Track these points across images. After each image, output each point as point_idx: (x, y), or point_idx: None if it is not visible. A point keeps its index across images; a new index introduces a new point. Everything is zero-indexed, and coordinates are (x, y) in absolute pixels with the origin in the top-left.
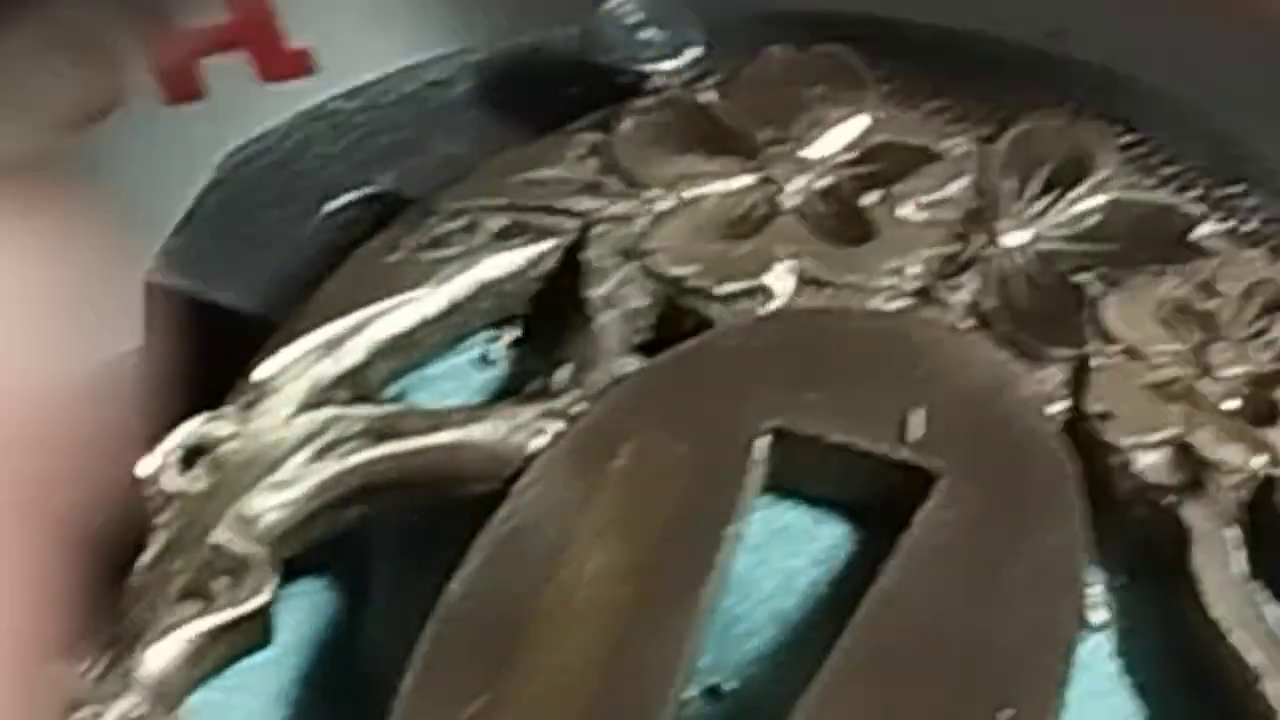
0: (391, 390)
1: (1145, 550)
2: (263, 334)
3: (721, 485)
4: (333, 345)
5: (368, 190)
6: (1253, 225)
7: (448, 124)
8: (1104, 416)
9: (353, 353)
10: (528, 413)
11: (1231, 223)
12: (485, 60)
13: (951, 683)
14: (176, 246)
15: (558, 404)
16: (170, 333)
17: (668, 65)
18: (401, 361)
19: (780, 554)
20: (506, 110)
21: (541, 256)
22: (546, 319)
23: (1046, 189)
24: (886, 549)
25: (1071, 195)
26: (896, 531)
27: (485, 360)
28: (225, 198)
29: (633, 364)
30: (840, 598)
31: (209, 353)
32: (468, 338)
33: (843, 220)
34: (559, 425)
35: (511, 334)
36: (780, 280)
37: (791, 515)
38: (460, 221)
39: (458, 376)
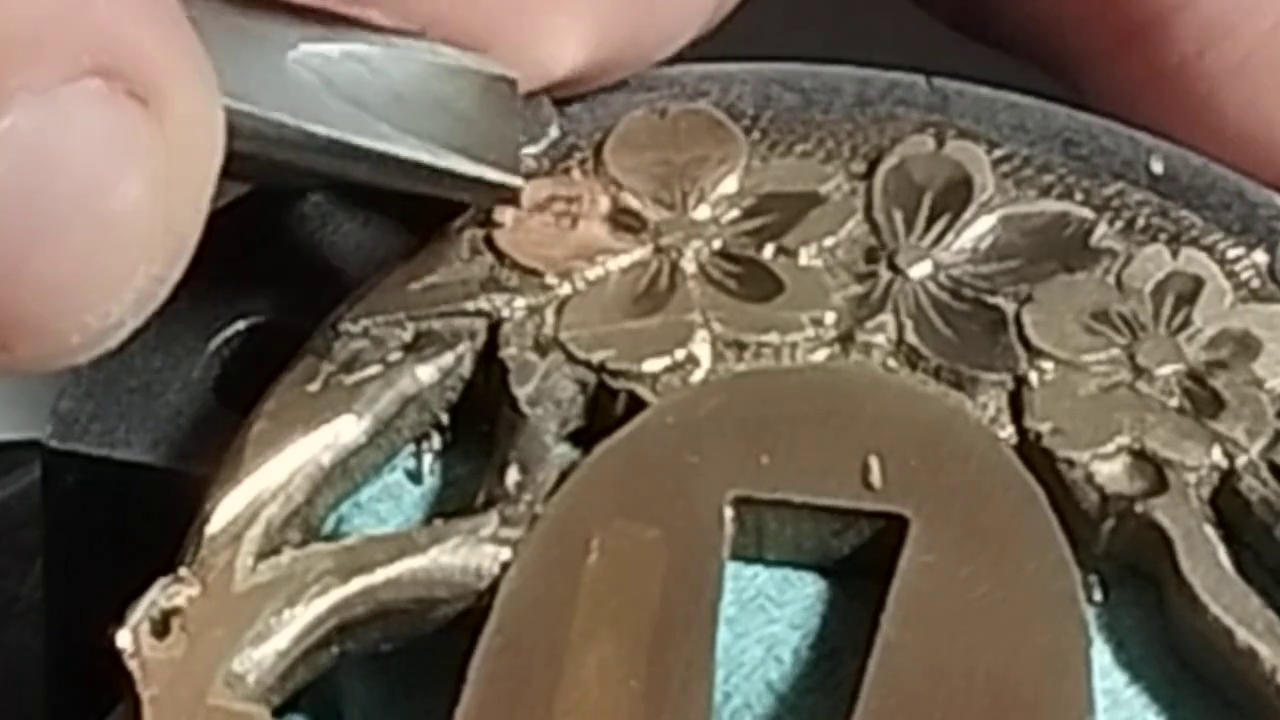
0: (330, 522)
1: (1120, 561)
2: (176, 486)
3: (701, 563)
4: (278, 487)
5: (249, 321)
6: (1143, 221)
7: (315, 244)
8: (1054, 433)
9: (297, 492)
10: (488, 524)
11: (1122, 222)
12: None
13: None
14: (67, 410)
15: (514, 510)
16: (76, 498)
17: (531, 149)
18: (338, 492)
19: (758, 623)
20: (373, 218)
21: (456, 362)
22: (466, 425)
23: (934, 216)
24: (859, 603)
25: (961, 219)
26: (866, 584)
27: (414, 476)
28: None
29: (572, 455)
30: (826, 659)
31: (123, 512)
32: (394, 456)
33: (748, 278)
34: (520, 532)
35: (432, 445)
36: (701, 348)
37: (758, 582)
38: (368, 341)
39: (391, 497)
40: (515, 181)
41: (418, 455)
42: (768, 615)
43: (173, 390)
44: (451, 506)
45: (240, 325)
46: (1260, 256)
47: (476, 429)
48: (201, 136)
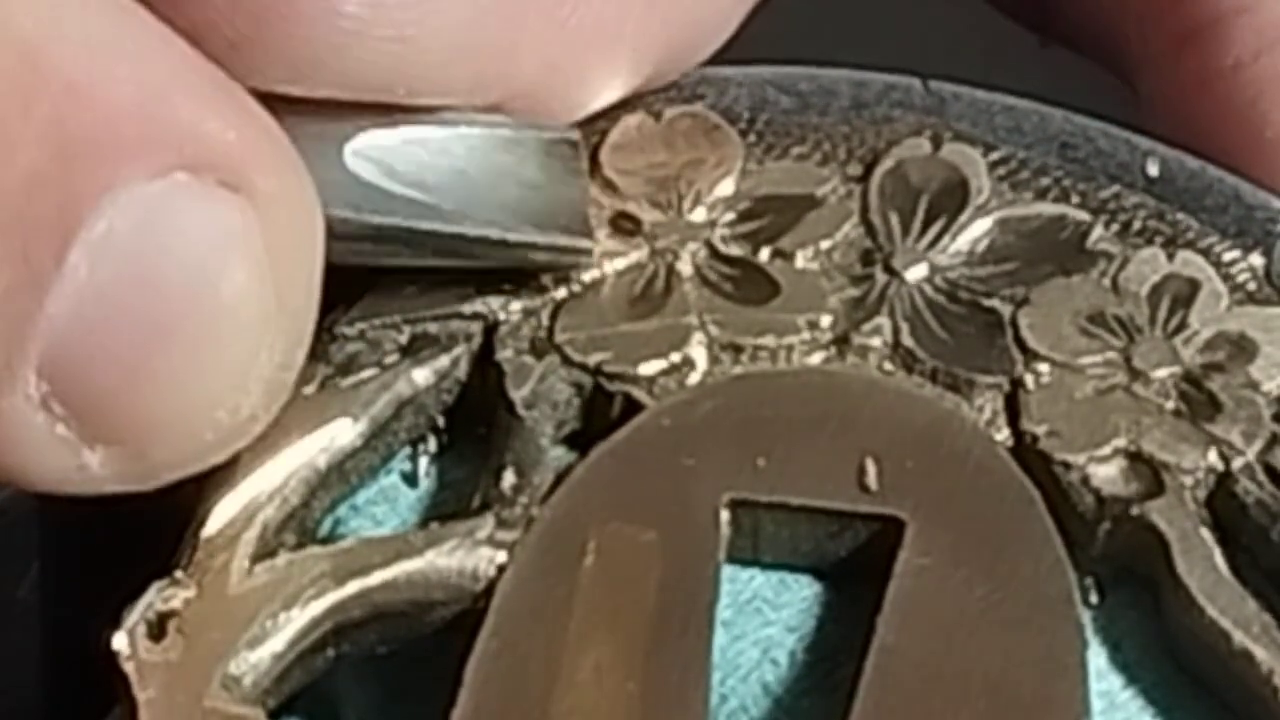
0: (327, 525)
1: (1116, 563)
2: (172, 488)
3: (697, 565)
4: (274, 490)
5: None
6: (1139, 224)
7: None
8: (1050, 436)
9: (293, 494)
10: (484, 527)
11: (1118, 224)
12: None
13: None
14: None
15: (510, 513)
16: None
17: None
18: (334, 495)
19: (754, 625)
20: None
21: (452, 365)
22: (462, 428)
23: (930, 219)
24: (855, 605)
25: (958, 222)
26: (862, 586)
27: (410, 479)
28: None
29: (568, 458)
30: (822, 662)
31: (119, 515)
32: (390, 459)
33: (744, 281)
34: (516, 534)
35: (428, 448)
36: (698, 350)
37: (755, 585)
38: (364, 343)
39: (387, 499)
40: (586, 244)
41: (414, 458)
42: (764, 618)
43: None
44: (448, 509)
45: None
46: (1256, 259)
47: (472, 432)
48: (298, 215)
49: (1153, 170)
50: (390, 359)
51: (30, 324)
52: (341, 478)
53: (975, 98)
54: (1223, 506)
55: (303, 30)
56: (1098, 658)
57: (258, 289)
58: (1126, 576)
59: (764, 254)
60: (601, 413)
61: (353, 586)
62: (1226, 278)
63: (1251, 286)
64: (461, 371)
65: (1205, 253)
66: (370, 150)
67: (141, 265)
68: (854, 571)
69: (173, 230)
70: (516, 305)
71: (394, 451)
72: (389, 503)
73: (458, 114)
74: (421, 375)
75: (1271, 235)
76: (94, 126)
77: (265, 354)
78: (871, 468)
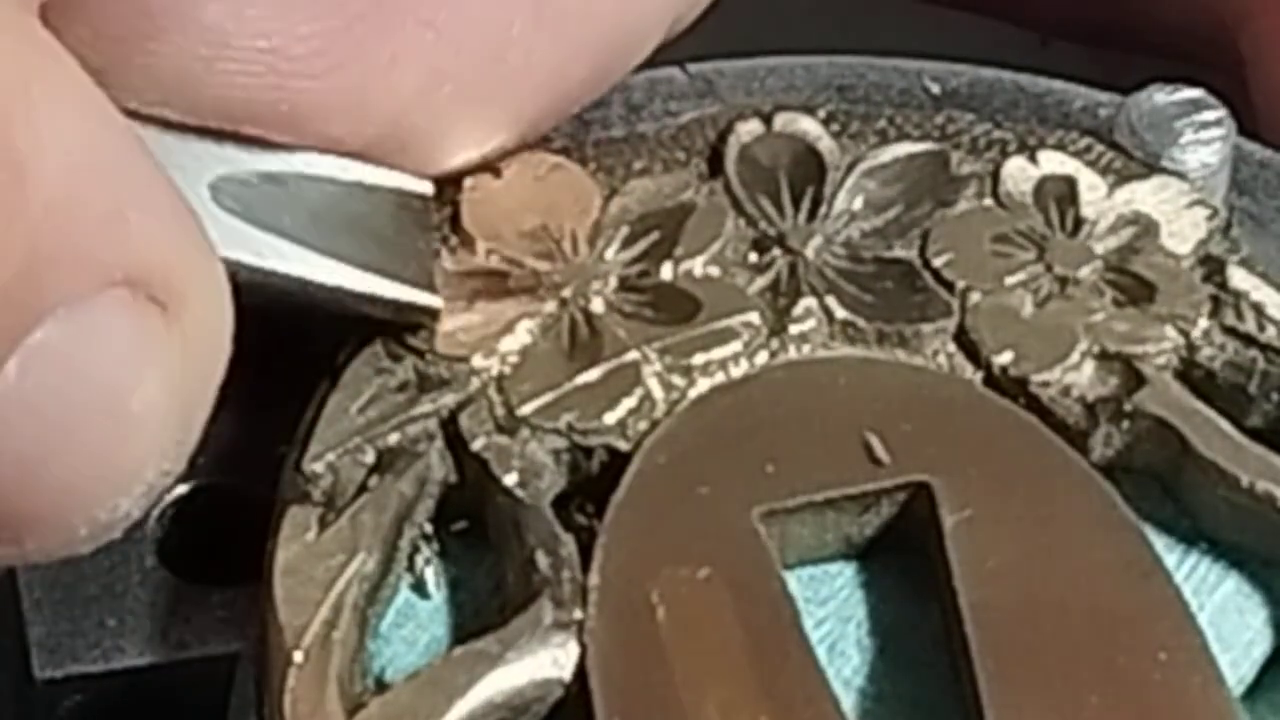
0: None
1: (1115, 464)
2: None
3: (762, 584)
4: (339, 640)
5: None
6: (982, 140)
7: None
8: (1017, 360)
9: (350, 638)
10: (544, 612)
11: (964, 146)
12: None
13: (1097, 650)
14: (44, 636)
15: (560, 591)
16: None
17: None
18: (371, 629)
19: (810, 625)
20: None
21: (428, 467)
22: (447, 525)
23: (799, 193)
24: (890, 577)
25: (825, 187)
26: (886, 556)
27: (420, 590)
28: None
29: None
30: (891, 640)
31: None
32: (399, 579)
33: (662, 303)
34: (576, 611)
35: (427, 555)
36: (652, 383)
37: (796, 587)
38: (335, 474)
39: (408, 618)
40: (434, 302)
41: (411, 569)
42: (813, 617)
43: (134, 583)
44: (470, 607)
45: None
46: (1094, 141)
47: (458, 527)
48: (213, 336)
49: (934, 88)
50: (372, 481)
51: None
52: (373, 610)
53: (738, 69)
54: (1193, 378)
55: (167, 46)
56: None
57: (164, 404)
58: (1123, 474)
59: (666, 271)
60: (583, 468)
61: (456, 712)
62: (1091, 165)
63: (1117, 165)
64: (438, 472)
65: (1059, 147)
66: (229, 187)
67: (62, 376)
68: (880, 545)
69: (98, 343)
70: (461, 391)
71: (399, 570)
72: (413, 621)
73: (316, 156)
74: (407, 487)
75: (1079, 114)
76: (59, 246)
77: (155, 462)
78: (875, 441)
